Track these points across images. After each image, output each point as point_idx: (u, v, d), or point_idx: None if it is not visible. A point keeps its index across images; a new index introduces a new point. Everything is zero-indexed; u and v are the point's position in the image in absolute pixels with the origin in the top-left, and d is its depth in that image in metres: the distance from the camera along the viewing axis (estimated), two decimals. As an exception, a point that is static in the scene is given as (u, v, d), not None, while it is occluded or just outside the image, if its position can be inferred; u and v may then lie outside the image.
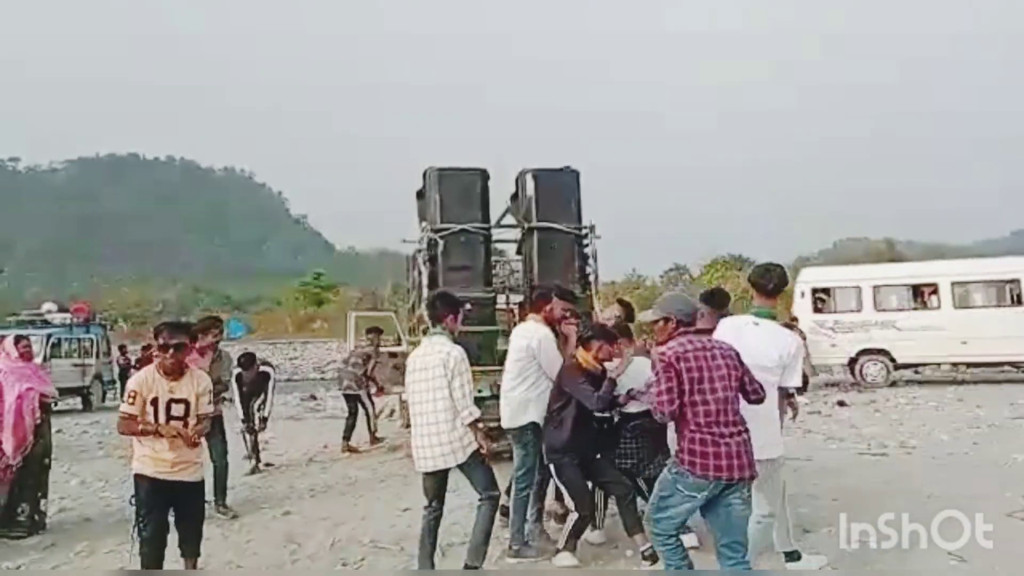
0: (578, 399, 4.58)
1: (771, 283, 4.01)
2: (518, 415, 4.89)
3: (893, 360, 15.44)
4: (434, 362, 4.25)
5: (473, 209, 8.31)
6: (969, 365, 15.61)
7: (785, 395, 4.65)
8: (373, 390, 10.22)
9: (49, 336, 16.60)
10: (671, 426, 3.70)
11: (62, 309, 18.93)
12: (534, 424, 4.84)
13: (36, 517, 5.78)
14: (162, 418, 4.06)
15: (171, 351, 4.10)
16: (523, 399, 4.87)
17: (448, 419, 4.21)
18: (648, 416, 4.49)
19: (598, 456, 4.84)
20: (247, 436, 8.19)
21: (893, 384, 15.25)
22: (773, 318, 4.02)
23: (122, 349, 20.60)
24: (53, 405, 6.20)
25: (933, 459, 7.55)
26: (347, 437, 9.57)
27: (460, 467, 4.28)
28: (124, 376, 19.61)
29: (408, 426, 9.66)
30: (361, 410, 9.97)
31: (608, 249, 8.81)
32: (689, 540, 4.62)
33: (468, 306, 8.01)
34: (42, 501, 5.88)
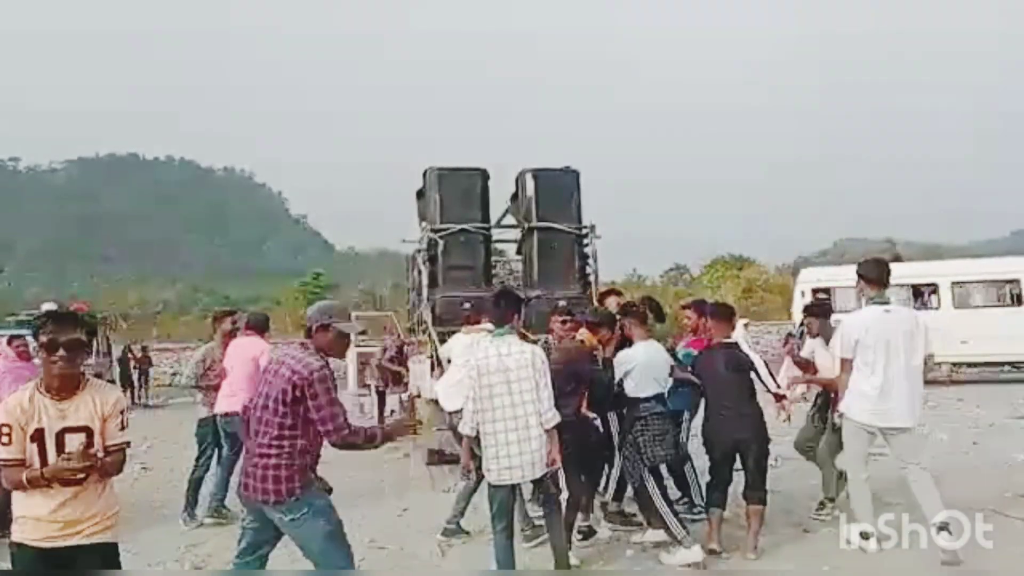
0: (592, 382, 4.79)
1: (876, 273, 4.71)
2: None
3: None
4: (519, 363, 3.94)
5: (473, 209, 8.31)
6: (969, 365, 15.62)
7: (778, 397, 4.84)
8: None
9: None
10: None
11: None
12: None
13: None
14: (52, 458, 2.70)
15: (61, 353, 2.69)
16: None
17: (537, 423, 3.93)
18: (659, 399, 4.79)
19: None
20: None
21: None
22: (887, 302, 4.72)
23: (139, 350, 20.83)
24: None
25: (933, 459, 7.53)
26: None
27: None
28: (124, 376, 19.68)
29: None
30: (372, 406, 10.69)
31: (608, 249, 8.83)
32: (694, 555, 4.55)
33: (467, 306, 8.05)
34: None
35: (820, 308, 5.78)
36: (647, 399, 4.74)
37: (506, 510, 4.08)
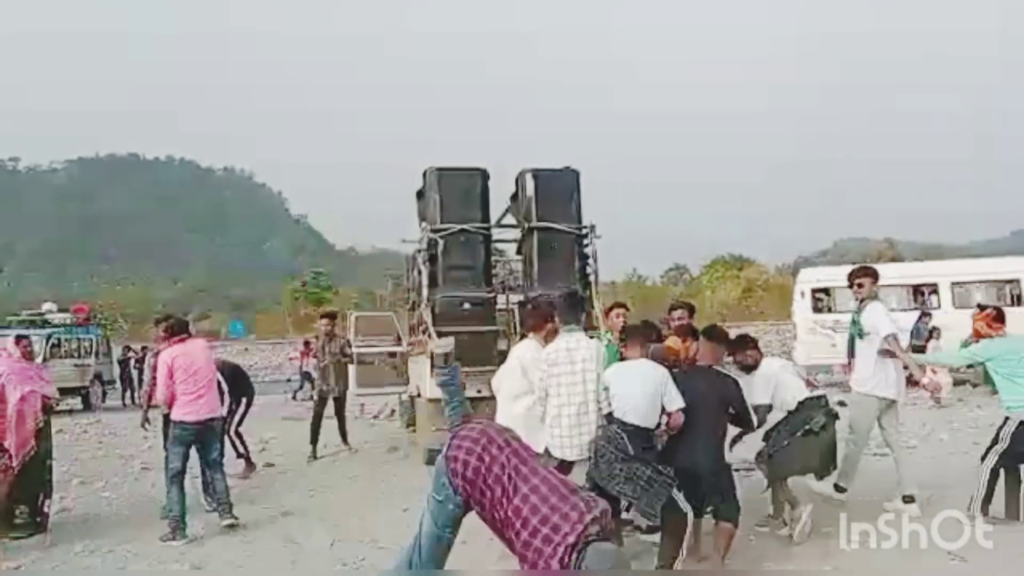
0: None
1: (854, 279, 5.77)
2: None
3: (893, 360, 15.41)
4: (584, 356, 4.40)
5: (473, 209, 8.31)
6: (969, 365, 15.60)
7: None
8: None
9: (49, 336, 16.60)
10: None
11: (62, 309, 18.93)
12: None
13: (38, 518, 5.77)
14: None
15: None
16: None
17: (596, 410, 4.39)
18: (627, 429, 4.19)
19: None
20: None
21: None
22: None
23: (138, 350, 20.77)
24: (54, 406, 6.19)
25: (933, 459, 7.54)
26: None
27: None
28: (124, 377, 19.66)
29: (409, 426, 9.79)
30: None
31: (608, 249, 8.82)
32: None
33: (466, 306, 8.05)
34: (45, 502, 5.86)
35: None
36: (612, 421, 4.31)
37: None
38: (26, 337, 6.31)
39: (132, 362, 20.05)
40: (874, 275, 5.74)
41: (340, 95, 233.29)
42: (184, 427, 5.72)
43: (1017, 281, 15.15)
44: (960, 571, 4.28)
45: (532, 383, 4.80)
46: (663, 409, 4.26)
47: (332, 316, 9.93)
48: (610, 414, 4.38)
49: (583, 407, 4.44)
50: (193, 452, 5.90)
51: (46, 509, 5.85)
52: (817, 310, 16.47)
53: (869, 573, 4.39)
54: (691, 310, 5.98)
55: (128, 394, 19.63)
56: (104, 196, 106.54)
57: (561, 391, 4.47)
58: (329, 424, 9.23)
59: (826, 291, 16.72)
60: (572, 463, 4.53)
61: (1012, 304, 15.02)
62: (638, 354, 4.46)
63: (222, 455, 6.20)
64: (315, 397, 9.44)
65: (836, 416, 4.92)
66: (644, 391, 4.21)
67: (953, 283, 15.57)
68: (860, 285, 5.69)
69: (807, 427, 4.79)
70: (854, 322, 5.76)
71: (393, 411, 12.15)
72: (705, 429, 4.26)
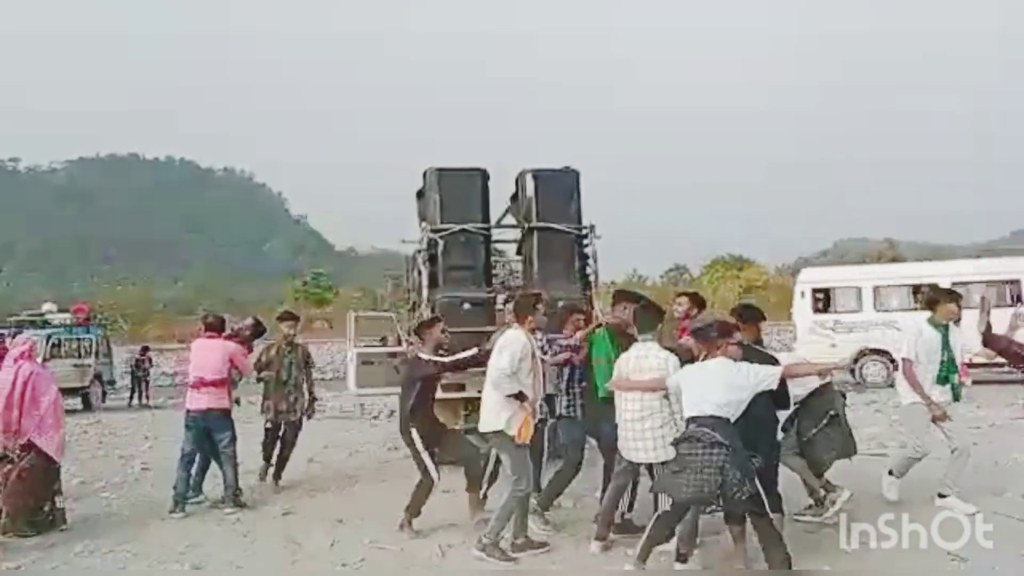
0: None
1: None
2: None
3: (893, 360, 15.41)
4: (651, 365, 4.60)
5: (473, 209, 8.31)
6: (970, 365, 15.59)
7: None
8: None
9: (49, 336, 16.59)
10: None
11: (62, 309, 18.91)
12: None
13: (55, 515, 5.89)
14: None
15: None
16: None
17: (659, 416, 4.54)
18: (703, 422, 4.06)
19: None
20: None
21: (893, 384, 15.19)
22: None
23: (139, 350, 20.60)
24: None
25: (934, 459, 7.53)
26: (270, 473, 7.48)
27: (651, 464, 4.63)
28: (134, 376, 19.56)
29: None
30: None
31: (608, 249, 8.80)
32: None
33: (466, 306, 8.04)
34: (57, 498, 5.96)
35: None
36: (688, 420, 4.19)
37: (627, 472, 4.95)
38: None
39: (144, 362, 19.82)
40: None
41: (340, 95, 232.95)
42: (187, 415, 6.53)
43: (1017, 281, 15.13)
44: (960, 571, 4.28)
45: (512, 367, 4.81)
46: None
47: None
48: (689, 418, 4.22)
49: (639, 414, 4.57)
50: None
51: (59, 504, 5.98)
52: (817, 310, 16.46)
53: (869, 573, 4.39)
54: (699, 303, 5.96)
55: (136, 395, 19.42)
56: (104, 196, 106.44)
57: (629, 395, 4.64)
58: (328, 423, 9.22)
59: (826, 291, 16.70)
60: (638, 465, 4.75)
61: (1012, 304, 15.01)
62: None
63: (232, 442, 6.52)
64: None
65: (845, 396, 5.45)
66: (716, 386, 4.19)
67: (953, 283, 15.54)
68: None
69: (830, 412, 4.94)
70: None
71: (393, 411, 12.15)
72: (758, 410, 4.33)
